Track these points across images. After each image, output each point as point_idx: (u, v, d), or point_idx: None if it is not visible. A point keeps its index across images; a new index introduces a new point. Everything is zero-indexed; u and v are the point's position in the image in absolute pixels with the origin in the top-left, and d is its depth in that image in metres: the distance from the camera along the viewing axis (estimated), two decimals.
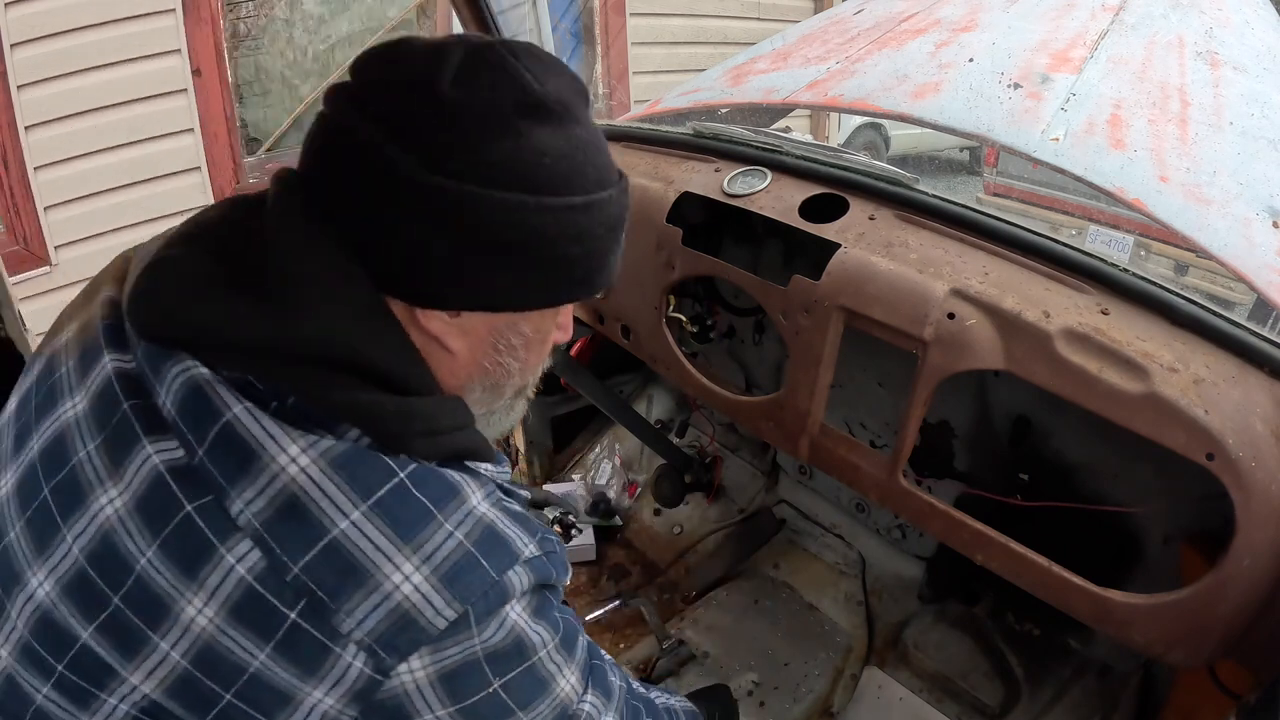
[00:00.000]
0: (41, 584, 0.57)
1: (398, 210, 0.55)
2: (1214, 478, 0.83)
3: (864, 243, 1.10)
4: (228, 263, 0.58)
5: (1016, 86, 1.26)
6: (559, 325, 0.70)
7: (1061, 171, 1.16)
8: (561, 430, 2.09)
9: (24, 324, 1.35)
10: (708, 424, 1.96)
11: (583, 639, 0.70)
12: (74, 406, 0.60)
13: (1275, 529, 0.82)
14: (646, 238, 1.33)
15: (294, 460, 0.54)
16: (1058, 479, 1.22)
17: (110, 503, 0.56)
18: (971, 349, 0.97)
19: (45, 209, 2.70)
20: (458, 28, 1.86)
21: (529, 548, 0.61)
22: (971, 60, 1.34)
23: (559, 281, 0.62)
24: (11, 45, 2.53)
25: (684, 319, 1.39)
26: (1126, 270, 0.97)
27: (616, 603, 1.56)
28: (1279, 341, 0.88)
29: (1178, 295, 0.93)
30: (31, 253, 2.72)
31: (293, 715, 0.55)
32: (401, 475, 0.56)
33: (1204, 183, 1.13)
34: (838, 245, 1.11)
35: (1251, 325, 0.90)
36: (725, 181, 1.27)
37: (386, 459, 0.56)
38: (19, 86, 2.57)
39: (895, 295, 1.03)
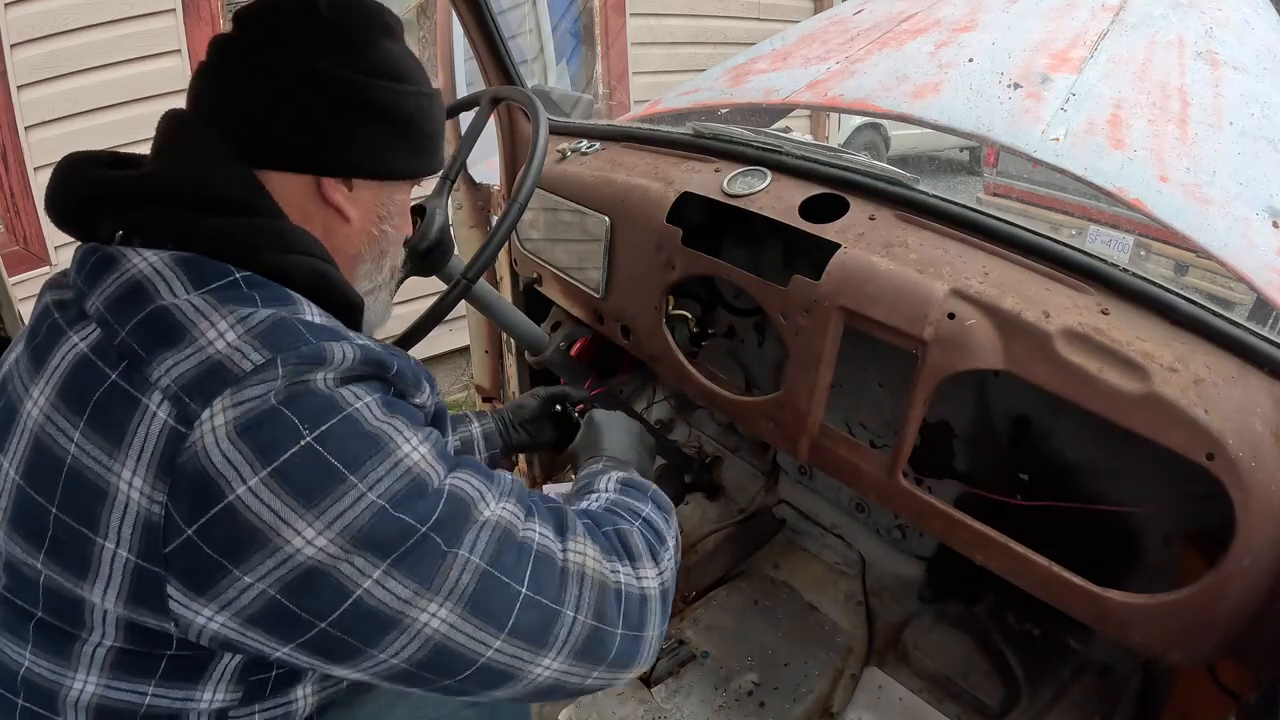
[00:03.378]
0: None
1: (308, 98, 0.68)
2: (1214, 478, 0.83)
3: (864, 243, 1.10)
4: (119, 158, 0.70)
5: (1016, 86, 1.26)
6: (404, 212, 0.83)
7: (1061, 171, 1.16)
8: None
9: (24, 324, 1.35)
10: (686, 424, 1.96)
11: (450, 453, 0.68)
12: (16, 350, 0.67)
13: (1275, 529, 0.82)
14: (646, 238, 1.33)
15: (145, 259, 0.62)
16: (1058, 479, 1.22)
17: (34, 403, 0.61)
18: (971, 349, 0.97)
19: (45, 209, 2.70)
20: (457, 28, 1.86)
21: (368, 341, 0.64)
22: (971, 60, 1.34)
23: (421, 154, 0.77)
24: (11, 45, 2.53)
25: (689, 316, 1.39)
26: (1126, 270, 0.97)
27: None
28: (1279, 341, 0.88)
29: (1178, 295, 0.93)
30: (31, 253, 2.72)
31: (110, 514, 0.56)
32: (236, 274, 0.63)
33: (1204, 182, 1.13)
34: (838, 245, 1.11)
35: (1251, 325, 0.90)
36: (725, 182, 1.27)
37: (231, 266, 0.63)
38: (19, 86, 2.57)
39: (895, 295, 1.03)
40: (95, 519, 0.56)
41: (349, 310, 0.71)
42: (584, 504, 0.84)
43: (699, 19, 4.42)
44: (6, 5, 2.49)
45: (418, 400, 0.68)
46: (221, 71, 0.70)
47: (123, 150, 0.73)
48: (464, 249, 1.89)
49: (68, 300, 0.65)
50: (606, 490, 0.87)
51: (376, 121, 0.71)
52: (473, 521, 0.62)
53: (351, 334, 0.65)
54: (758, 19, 4.62)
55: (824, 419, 1.17)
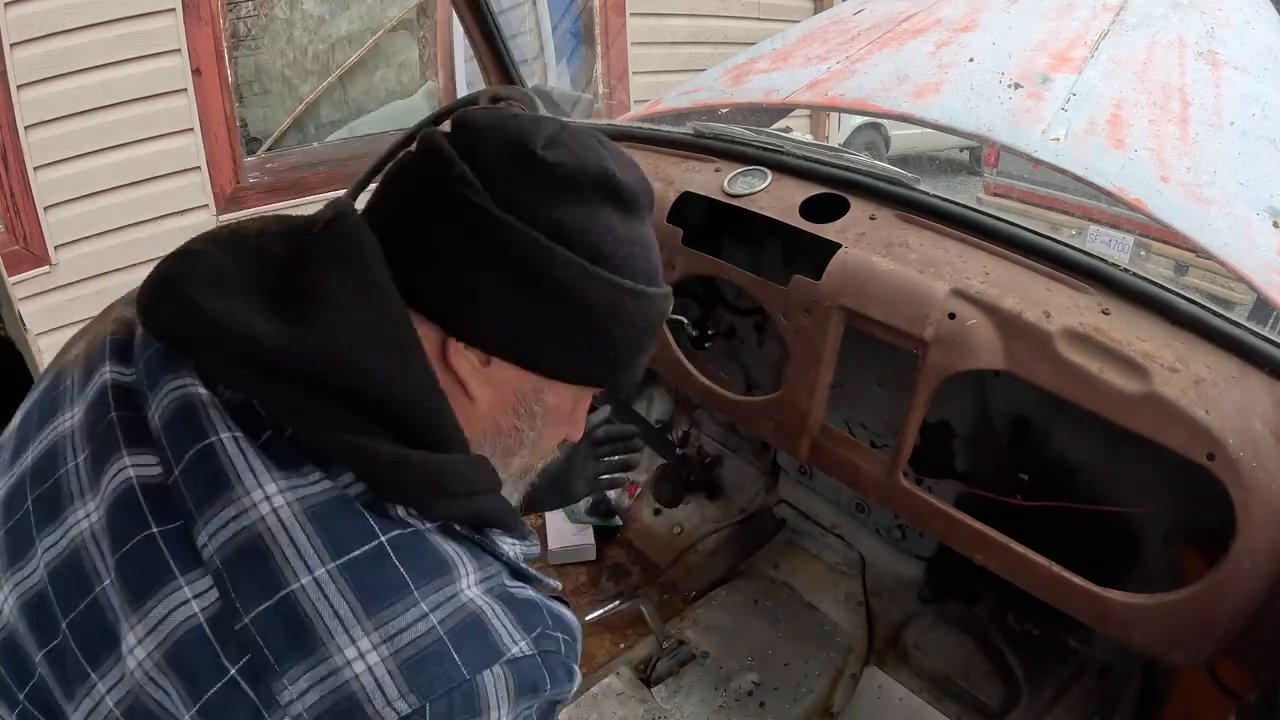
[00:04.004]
0: (7, 598, 0.53)
1: (459, 239, 0.54)
2: (1214, 478, 0.83)
3: (864, 243, 1.10)
4: (258, 267, 0.55)
5: (1017, 86, 1.26)
6: (574, 419, 0.68)
7: (1062, 171, 1.16)
8: None
9: (24, 324, 1.35)
10: (685, 421, 1.96)
11: None
12: (71, 418, 0.57)
13: (1275, 529, 0.82)
14: None
15: (268, 499, 0.49)
16: (1058, 479, 1.22)
17: (87, 516, 0.52)
18: (972, 349, 0.97)
19: (45, 209, 2.70)
20: (457, 28, 1.86)
21: (519, 645, 0.52)
22: (972, 60, 1.33)
23: (594, 358, 0.60)
24: (11, 45, 2.52)
25: (686, 320, 1.39)
26: (1127, 270, 0.97)
27: (616, 603, 1.56)
28: (1279, 341, 0.88)
29: (1178, 295, 0.93)
30: (31, 252, 2.72)
31: None
32: (382, 538, 0.50)
33: (1204, 183, 1.13)
34: (838, 245, 1.11)
35: (1252, 325, 0.90)
36: (725, 181, 1.27)
37: (371, 517, 0.50)
38: (19, 86, 2.56)
39: (896, 295, 1.03)
40: None
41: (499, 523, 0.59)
42: None
43: (699, 19, 4.42)
44: (6, 5, 2.49)
45: (568, 695, 0.58)
46: (401, 181, 0.58)
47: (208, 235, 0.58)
48: None
49: (125, 385, 0.55)
50: None
51: (538, 295, 0.55)
52: None
53: (507, 627, 0.53)
54: (758, 19, 4.61)
55: (824, 419, 1.17)
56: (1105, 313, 0.94)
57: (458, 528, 0.55)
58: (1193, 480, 0.87)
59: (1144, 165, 1.14)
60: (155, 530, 0.50)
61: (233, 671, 0.47)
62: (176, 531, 0.50)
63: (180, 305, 0.52)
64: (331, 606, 0.48)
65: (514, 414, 0.62)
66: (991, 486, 1.22)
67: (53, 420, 0.58)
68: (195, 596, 0.48)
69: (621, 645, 1.61)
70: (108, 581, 0.50)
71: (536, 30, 3.77)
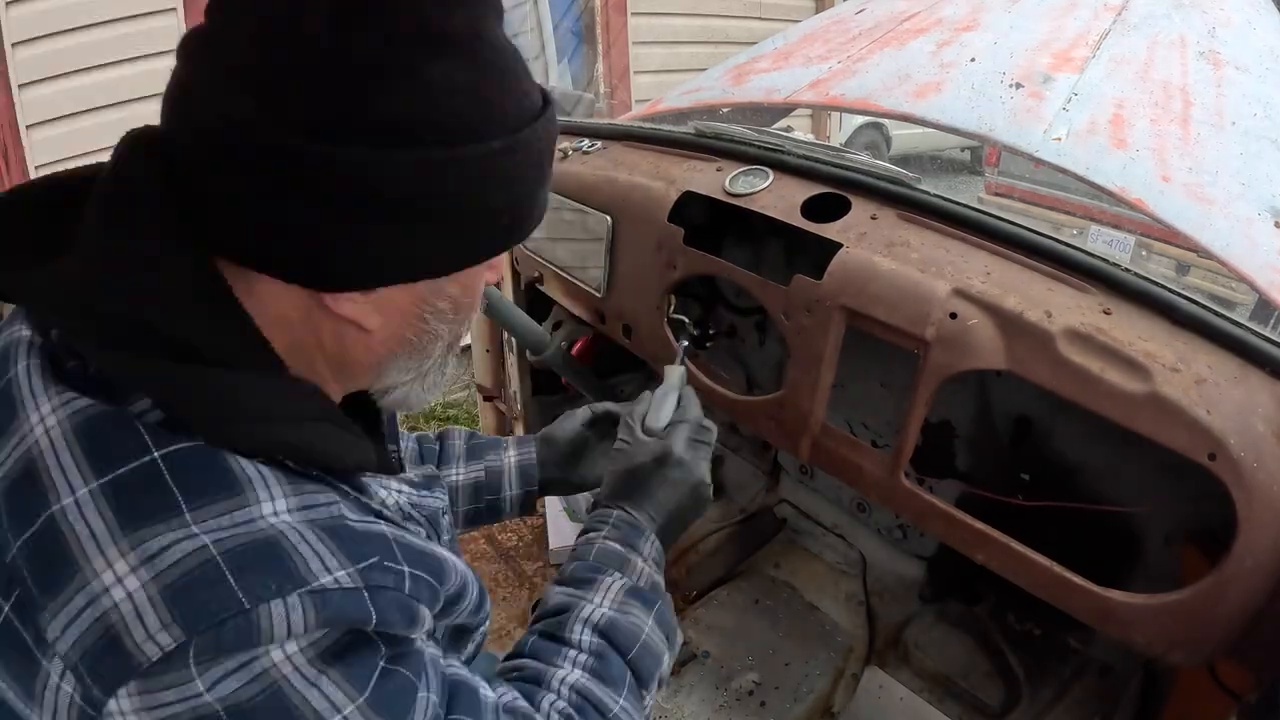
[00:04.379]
0: None
1: (266, 183, 0.45)
2: (1215, 478, 0.83)
3: (866, 242, 1.10)
4: (45, 217, 0.50)
5: (1018, 86, 1.26)
6: (482, 279, 0.60)
7: (1063, 171, 1.15)
8: None
9: None
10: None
11: (424, 698, 0.52)
12: None
13: (1277, 529, 0.82)
14: (648, 237, 1.33)
15: (42, 420, 0.45)
16: (1059, 479, 1.22)
17: None
18: (973, 349, 0.97)
19: None
20: None
21: (332, 575, 0.46)
22: (973, 60, 1.33)
23: (483, 237, 0.53)
24: (12, 45, 2.53)
25: (686, 321, 1.39)
26: (1128, 270, 0.97)
27: None
28: None
29: (1180, 295, 0.93)
30: None
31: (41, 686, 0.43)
32: (155, 454, 0.44)
33: (1206, 183, 1.13)
34: (839, 245, 1.11)
35: (1253, 325, 0.90)
36: (727, 181, 1.27)
37: (148, 434, 0.45)
38: (19, 86, 2.57)
39: (897, 295, 1.03)
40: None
41: (342, 469, 0.54)
42: (556, 669, 0.67)
43: (701, 18, 4.42)
44: (7, 4, 2.49)
45: (409, 634, 0.52)
46: (181, 101, 0.49)
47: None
48: None
49: None
50: (606, 602, 0.71)
51: (393, 215, 0.47)
52: None
53: (318, 553, 0.46)
54: (759, 18, 4.61)
55: (825, 418, 1.17)
56: (1107, 313, 0.94)
57: (285, 459, 0.49)
58: (1194, 480, 0.87)
59: (1145, 165, 1.14)
60: None
61: (6, 609, 0.43)
62: None
63: None
64: (90, 527, 0.43)
65: (420, 321, 0.56)
66: (993, 486, 1.22)
67: None
68: None
69: None
70: None
71: (538, 29, 3.77)
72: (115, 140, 0.52)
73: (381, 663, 0.49)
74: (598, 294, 1.49)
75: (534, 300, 1.77)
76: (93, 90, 2.69)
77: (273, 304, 0.51)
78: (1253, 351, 0.88)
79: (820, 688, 1.52)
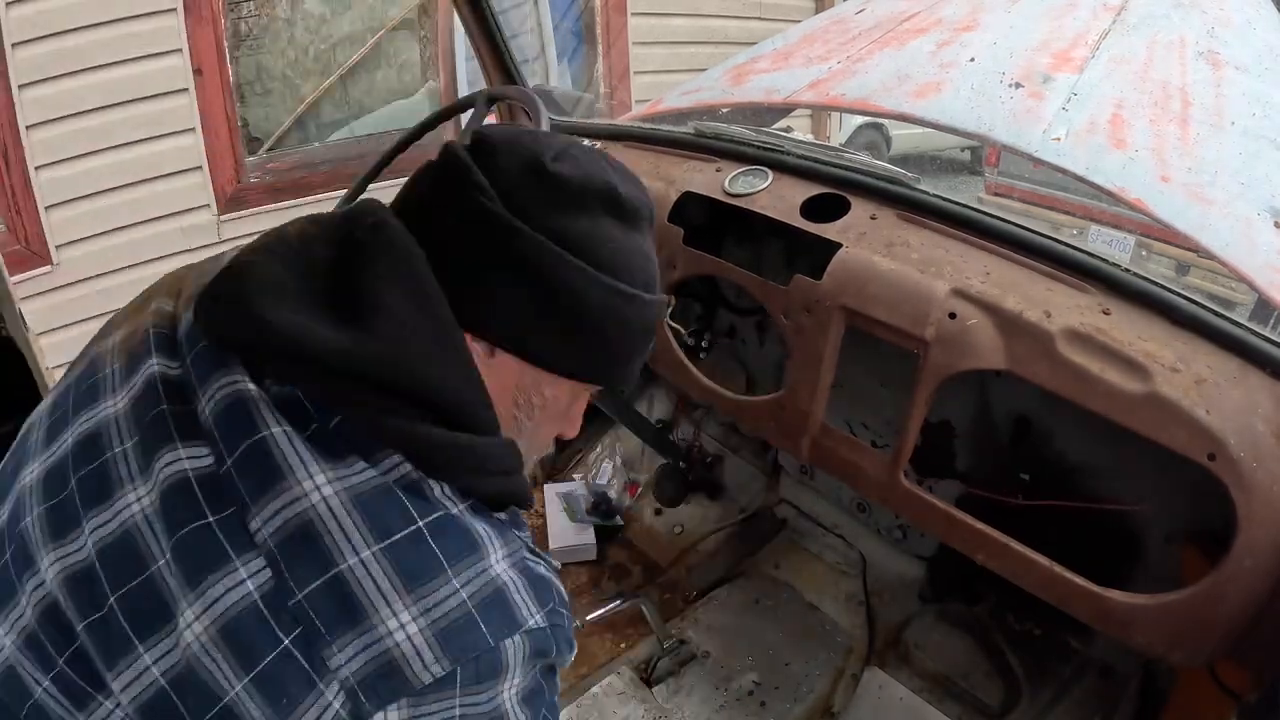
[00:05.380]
0: (49, 569, 0.57)
1: (476, 243, 0.60)
2: (1215, 478, 0.83)
3: (865, 242, 1.10)
4: (306, 270, 0.60)
5: (1018, 86, 1.26)
6: (569, 416, 0.74)
7: (1063, 171, 1.16)
8: None
9: (25, 323, 1.35)
10: (689, 423, 1.96)
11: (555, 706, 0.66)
12: (114, 405, 0.61)
13: (1276, 529, 0.82)
14: None
15: (318, 488, 0.54)
16: (1059, 479, 1.22)
17: (138, 500, 0.56)
18: (973, 349, 0.97)
19: (46, 208, 2.69)
20: (458, 27, 1.86)
21: (535, 618, 0.59)
22: (973, 60, 1.33)
23: (592, 356, 0.66)
24: (12, 45, 2.52)
25: (683, 332, 1.39)
26: (1128, 270, 0.97)
27: (618, 602, 1.56)
28: None
29: (1179, 295, 0.93)
30: (33, 252, 2.71)
31: None
32: (420, 523, 0.56)
33: (1205, 182, 1.13)
34: (839, 245, 1.11)
35: (1253, 325, 0.90)
36: (727, 181, 1.27)
37: (410, 502, 0.56)
38: (20, 86, 2.56)
39: (897, 295, 1.03)
40: None
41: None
42: None
43: (701, 18, 4.42)
44: (7, 5, 2.49)
45: (564, 664, 0.65)
46: (430, 188, 0.63)
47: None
48: None
49: (173, 379, 0.59)
50: None
51: (542, 295, 0.61)
52: None
53: (525, 601, 0.59)
54: (759, 18, 4.61)
55: (825, 419, 1.17)
56: (1106, 313, 0.94)
57: (487, 508, 0.61)
58: (1194, 480, 0.87)
59: (1145, 165, 1.14)
60: (211, 518, 0.54)
61: (286, 642, 0.52)
62: (230, 518, 0.54)
63: (245, 316, 0.57)
64: (375, 584, 0.53)
65: (514, 404, 0.67)
66: (992, 486, 1.22)
67: (93, 406, 0.62)
68: (250, 576, 0.53)
69: (622, 645, 1.61)
70: (162, 562, 0.54)
71: (538, 30, 3.77)
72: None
73: (546, 696, 0.63)
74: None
75: None
76: (93, 90, 2.69)
77: (506, 376, 0.64)
78: (1253, 351, 0.88)
79: (820, 688, 1.52)
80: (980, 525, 1.03)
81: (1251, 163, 1.18)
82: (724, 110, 1.75)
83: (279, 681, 0.52)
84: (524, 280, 0.61)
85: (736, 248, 1.51)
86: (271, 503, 0.54)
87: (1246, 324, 0.90)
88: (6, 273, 1.39)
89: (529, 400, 0.68)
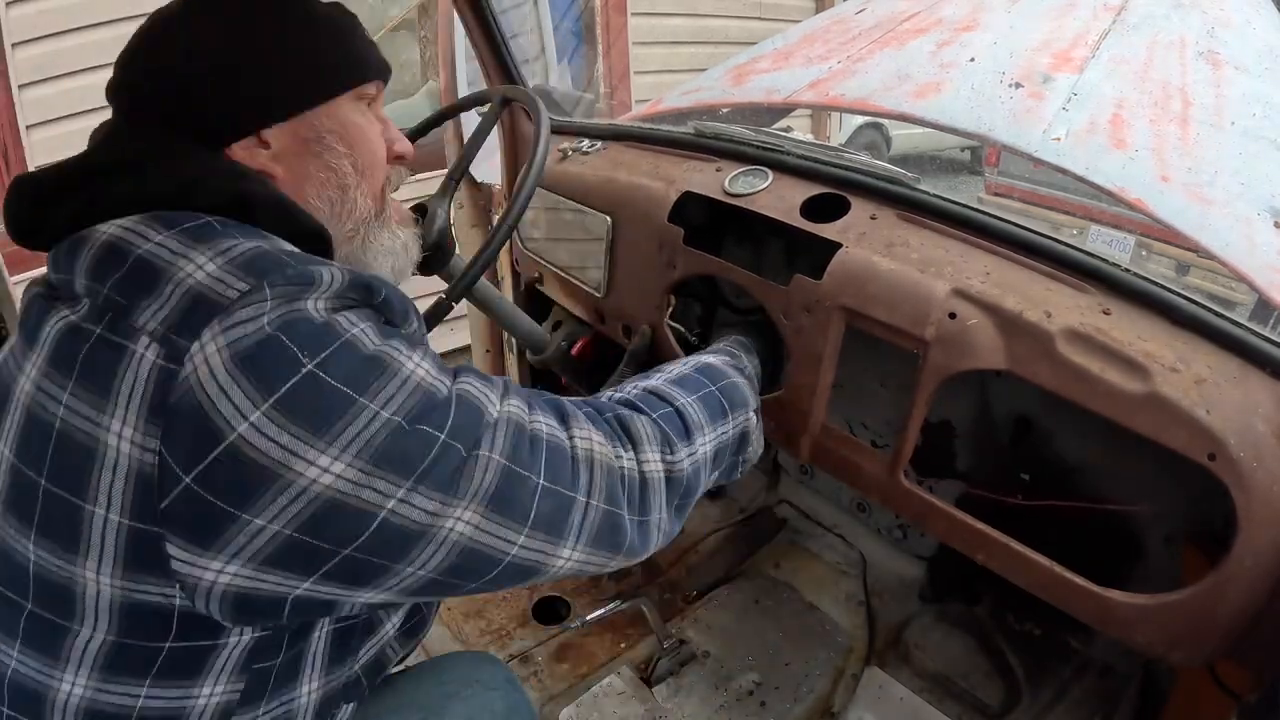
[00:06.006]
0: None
1: (173, 60, 0.68)
2: (1215, 478, 0.83)
3: (865, 242, 1.10)
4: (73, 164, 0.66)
5: (1018, 86, 1.26)
6: (378, 134, 0.75)
7: (1063, 171, 1.15)
8: None
9: None
10: None
11: (445, 365, 0.66)
12: (9, 344, 0.64)
13: (1276, 529, 0.82)
14: (648, 237, 1.33)
15: (112, 225, 0.60)
16: (1059, 479, 1.22)
17: (26, 377, 0.59)
18: (973, 349, 0.97)
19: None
20: (459, 27, 1.86)
21: (349, 271, 0.61)
22: (973, 60, 1.33)
23: (330, 60, 0.69)
24: (12, 45, 2.53)
25: (683, 331, 1.39)
26: (1128, 270, 0.97)
27: (617, 602, 1.56)
28: None
29: (1179, 295, 0.93)
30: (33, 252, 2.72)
31: (99, 475, 0.52)
32: (207, 216, 0.61)
33: (1205, 183, 1.13)
34: (839, 245, 1.11)
35: (1253, 325, 0.90)
36: (727, 181, 1.27)
37: (213, 220, 0.61)
38: (20, 86, 2.57)
39: (897, 295, 1.03)
40: (84, 484, 0.53)
41: (319, 240, 0.68)
42: (613, 392, 0.87)
43: (700, 18, 4.43)
44: (7, 5, 2.49)
45: (405, 330, 0.64)
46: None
47: None
48: (466, 248, 1.89)
49: (53, 284, 0.63)
50: (668, 372, 0.92)
51: (251, 60, 0.66)
52: (486, 423, 0.63)
53: (333, 261, 0.63)
54: (759, 18, 4.62)
55: (825, 418, 1.17)
56: (1106, 313, 0.94)
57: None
58: (1194, 480, 0.87)
59: (1145, 165, 1.14)
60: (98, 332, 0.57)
61: (98, 331, 0.56)
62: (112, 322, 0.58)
63: (24, 186, 0.65)
64: (170, 249, 0.58)
65: (317, 159, 0.70)
66: (992, 486, 1.22)
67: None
68: (72, 311, 0.59)
69: (622, 645, 1.61)
70: (64, 403, 0.56)
71: (538, 30, 3.77)
72: None
73: (406, 340, 0.66)
74: (598, 294, 1.49)
75: (534, 300, 1.77)
76: (93, 90, 2.69)
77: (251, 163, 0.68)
78: (1253, 351, 0.88)
79: (820, 688, 1.52)
80: (980, 525, 1.03)
81: (1251, 163, 1.18)
82: (724, 110, 1.75)
83: (93, 363, 0.55)
84: (225, 57, 0.66)
85: (736, 248, 1.51)
86: (83, 259, 0.59)
87: (1246, 324, 0.90)
88: (6, 273, 1.39)
89: (321, 142, 0.70)
